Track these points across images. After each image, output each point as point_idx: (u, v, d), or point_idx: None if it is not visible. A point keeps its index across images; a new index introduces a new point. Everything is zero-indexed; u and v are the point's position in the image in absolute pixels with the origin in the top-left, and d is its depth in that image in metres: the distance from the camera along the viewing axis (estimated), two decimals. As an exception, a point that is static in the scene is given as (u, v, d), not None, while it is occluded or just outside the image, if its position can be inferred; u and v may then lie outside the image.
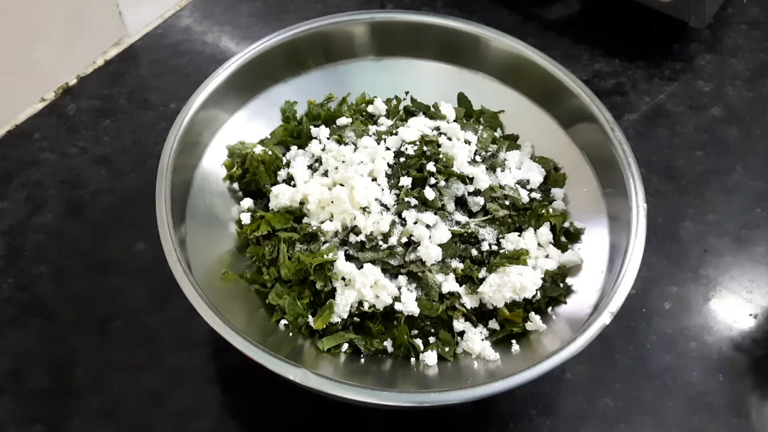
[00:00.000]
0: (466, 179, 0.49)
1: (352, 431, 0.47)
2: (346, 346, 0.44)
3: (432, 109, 0.56)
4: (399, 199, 0.48)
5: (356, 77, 0.57)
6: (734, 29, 0.73)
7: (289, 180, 0.51)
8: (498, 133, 0.56)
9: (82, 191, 0.58)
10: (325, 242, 0.46)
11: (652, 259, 0.55)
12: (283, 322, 0.45)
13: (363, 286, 0.44)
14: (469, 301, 0.45)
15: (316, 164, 0.52)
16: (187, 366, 0.49)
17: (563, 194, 0.52)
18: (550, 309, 0.46)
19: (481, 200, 0.49)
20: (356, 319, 0.45)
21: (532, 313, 0.45)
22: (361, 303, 0.45)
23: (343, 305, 0.44)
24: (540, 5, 0.73)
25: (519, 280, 0.44)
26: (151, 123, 0.63)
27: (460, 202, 0.49)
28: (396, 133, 0.51)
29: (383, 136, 0.52)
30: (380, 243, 0.46)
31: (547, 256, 0.48)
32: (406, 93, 0.58)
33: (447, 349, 0.45)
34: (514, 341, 0.45)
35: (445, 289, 0.45)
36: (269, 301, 0.45)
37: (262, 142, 0.54)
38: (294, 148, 0.54)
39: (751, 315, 0.53)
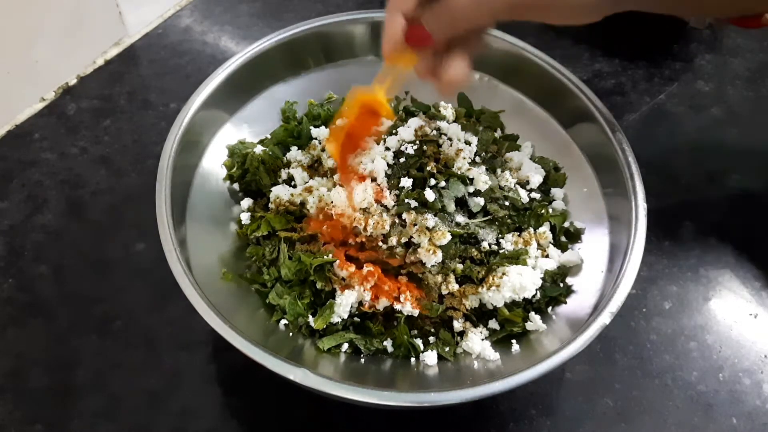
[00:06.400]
0: (466, 180, 0.49)
1: (352, 431, 0.47)
2: (346, 345, 0.44)
3: (432, 109, 0.56)
4: (399, 201, 0.48)
5: (356, 77, 0.57)
6: (734, 29, 0.73)
7: (289, 180, 0.51)
8: (498, 133, 0.56)
9: (82, 191, 0.58)
10: (324, 243, 0.46)
11: (652, 259, 0.55)
12: (283, 322, 0.45)
13: (363, 286, 0.44)
14: (469, 301, 0.45)
15: (316, 164, 0.52)
16: (187, 366, 0.49)
17: (563, 194, 0.52)
18: (550, 309, 0.46)
19: (481, 201, 0.49)
20: (356, 319, 0.45)
21: (532, 313, 0.45)
22: (361, 303, 0.45)
23: (343, 305, 0.44)
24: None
25: (519, 280, 0.44)
26: (151, 123, 0.63)
27: (461, 203, 0.49)
28: (396, 133, 0.51)
29: (383, 136, 0.52)
30: (380, 244, 0.46)
31: (547, 256, 0.48)
32: (406, 93, 0.58)
33: (447, 349, 0.45)
34: (514, 341, 0.45)
35: (444, 290, 0.45)
36: (269, 301, 0.45)
37: (262, 142, 0.54)
38: (294, 148, 0.54)
39: (751, 315, 0.53)
